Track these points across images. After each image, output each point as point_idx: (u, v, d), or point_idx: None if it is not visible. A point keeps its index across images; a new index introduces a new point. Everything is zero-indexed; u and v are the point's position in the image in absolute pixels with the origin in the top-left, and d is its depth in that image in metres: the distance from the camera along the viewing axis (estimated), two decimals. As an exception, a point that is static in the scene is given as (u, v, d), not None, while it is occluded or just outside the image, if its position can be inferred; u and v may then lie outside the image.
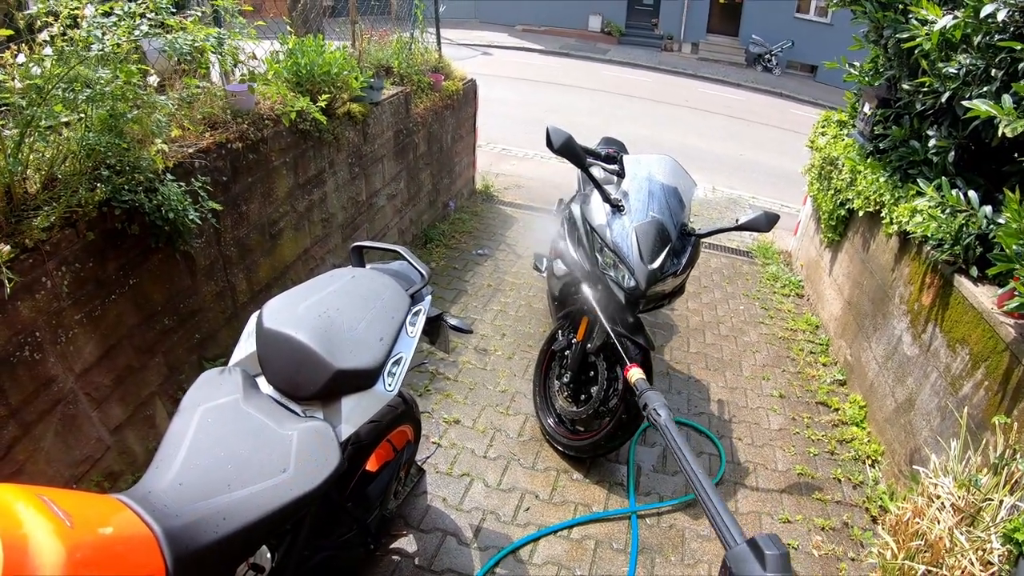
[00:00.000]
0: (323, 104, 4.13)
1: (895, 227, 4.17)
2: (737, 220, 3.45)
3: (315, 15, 5.70)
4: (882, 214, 4.41)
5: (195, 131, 3.34)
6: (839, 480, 3.93)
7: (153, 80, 2.92)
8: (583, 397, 3.77)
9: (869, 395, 4.44)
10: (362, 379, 1.99)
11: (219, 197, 3.31)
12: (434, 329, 2.64)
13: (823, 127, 6.54)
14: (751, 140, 13.18)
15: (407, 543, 3.25)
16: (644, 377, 1.43)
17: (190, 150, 3.19)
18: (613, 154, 3.89)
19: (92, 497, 1.37)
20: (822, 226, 5.97)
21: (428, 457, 3.81)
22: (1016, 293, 2.78)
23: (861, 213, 4.94)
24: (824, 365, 5.19)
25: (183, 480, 1.53)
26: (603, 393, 3.59)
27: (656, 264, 3.27)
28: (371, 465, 2.86)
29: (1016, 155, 3.34)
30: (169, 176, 2.91)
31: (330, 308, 2.10)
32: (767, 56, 23.10)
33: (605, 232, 3.39)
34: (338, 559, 2.47)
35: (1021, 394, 2.78)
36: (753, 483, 3.87)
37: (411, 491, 3.45)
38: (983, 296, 3.26)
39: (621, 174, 3.65)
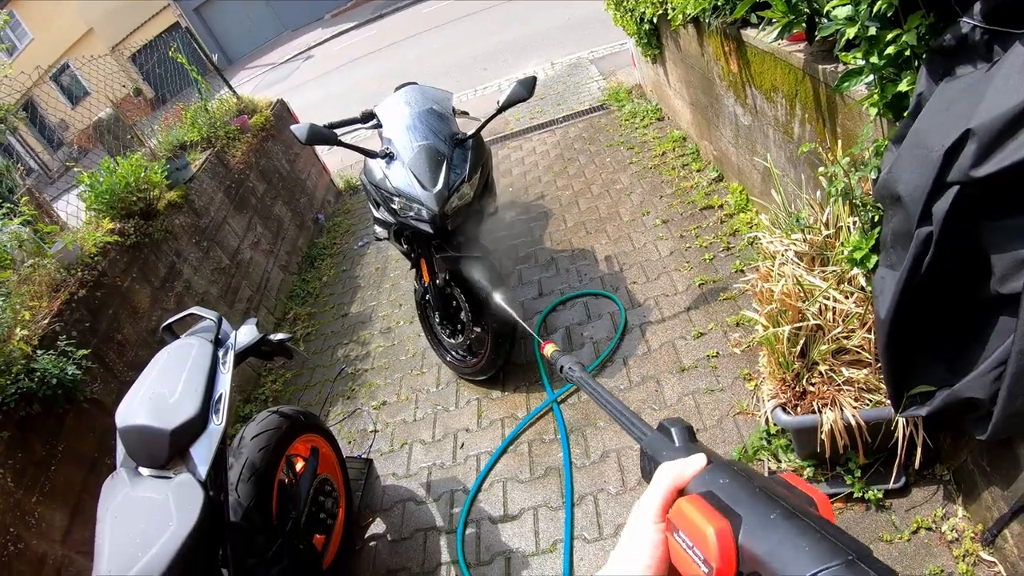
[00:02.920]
0: (109, 227, 4.19)
1: (680, 16, 4.10)
2: (498, 103, 3.43)
3: (122, 130, 5.68)
4: (667, 13, 4.33)
5: (42, 304, 3.57)
6: (742, 270, 3.90)
7: None
8: (460, 327, 3.85)
9: (741, 178, 4.42)
10: (193, 427, 2.25)
11: (91, 341, 3.57)
12: (276, 349, 2.90)
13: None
14: (574, -1, 12.92)
15: (377, 526, 3.43)
16: (558, 349, 1.54)
17: (45, 321, 3.43)
18: (369, 111, 3.90)
19: None
20: (640, 48, 5.90)
21: (371, 446, 3.90)
22: (772, 21, 2.71)
23: (656, 20, 4.86)
24: (698, 171, 5.15)
25: (111, 568, 1.92)
26: (470, 315, 3.67)
27: (439, 185, 3.30)
28: (288, 478, 3.07)
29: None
30: (39, 351, 3.18)
31: (155, 386, 2.38)
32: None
33: (386, 184, 3.43)
34: (288, 570, 2.67)
35: (835, 110, 2.73)
36: (658, 316, 3.86)
37: (365, 482, 3.68)
38: (769, 37, 3.19)
39: (380, 124, 3.71)
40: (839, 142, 2.65)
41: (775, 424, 2.63)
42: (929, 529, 2.38)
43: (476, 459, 3.49)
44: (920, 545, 2.36)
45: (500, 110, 3.41)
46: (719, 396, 3.23)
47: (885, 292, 1.94)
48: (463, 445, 3.60)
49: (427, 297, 3.89)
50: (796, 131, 3.21)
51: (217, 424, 2.31)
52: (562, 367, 1.33)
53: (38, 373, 3.05)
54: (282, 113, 7.49)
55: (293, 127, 3.29)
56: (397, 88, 4.08)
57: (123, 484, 2.20)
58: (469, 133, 3.57)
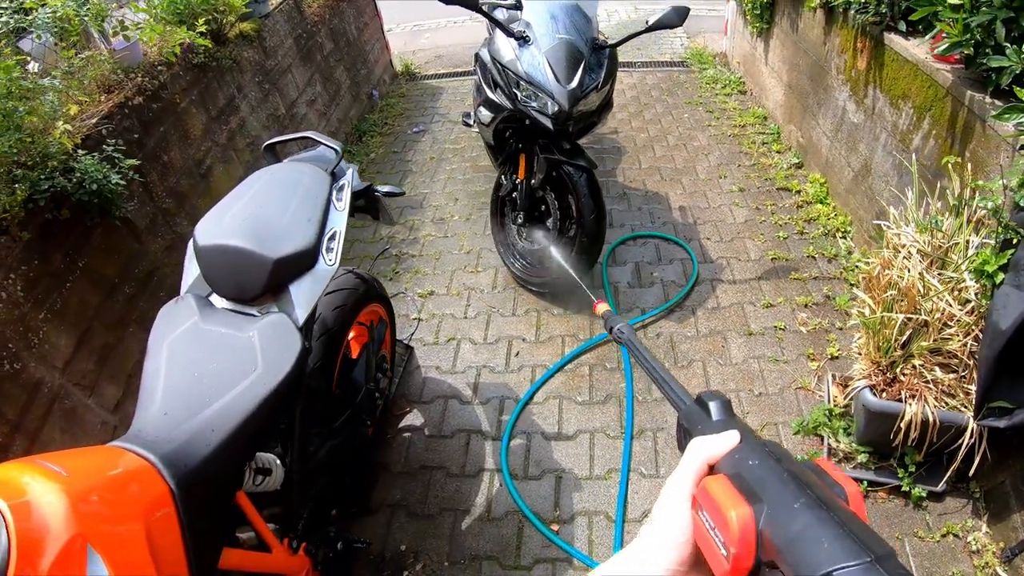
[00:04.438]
0: (202, 29, 3.97)
1: (816, 0, 4.09)
2: (647, 22, 3.33)
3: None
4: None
5: (92, 101, 3.22)
6: (813, 257, 3.98)
7: (33, 66, 2.94)
8: (541, 234, 3.79)
9: (827, 171, 4.45)
10: (302, 261, 1.99)
11: (136, 155, 3.23)
12: (370, 203, 2.62)
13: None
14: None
15: (413, 418, 3.32)
16: (609, 309, 1.53)
17: (93, 120, 3.08)
18: None
19: (86, 449, 1.43)
20: (748, 18, 5.86)
21: (412, 334, 3.83)
22: (944, 35, 2.74)
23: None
24: (778, 152, 5.17)
25: (167, 410, 1.58)
26: (558, 224, 3.61)
27: (574, 83, 3.20)
28: (351, 350, 2.91)
29: None
30: (80, 152, 2.82)
31: (255, 207, 2.07)
32: None
33: (516, 66, 3.29)
34: (343, 446, 2.54)
35: (970, 135, 2.78)
36: (729, 276, 3.92)
37: (404, 369, 3.55)
38: (916, 48, 3.20)
39: (519, 6, 3.55)
40: (968, 165, 2.73)
41: (850, 401, 2.79)
42: (956, 536, 2.54)
43: (531, 370, 3.48)
44: (947, 548, 2.51)
45: (648, 29, 3.32)
46: (783, 367, 3.31)
47: (1009, 307, 2.07)
48: (518, 354, 3.59)
49: (513, 195, 3.82)
50: (915, 142, 3.24)
51: (329, 264, 2.04)
52: (611, 328, 1.36)
53: (77, 174, 2.73)
54: (362, -23, 7.26)
55: None
56: None
57: (190, 313, 1.86)
58: (611, 41, 3.48)
